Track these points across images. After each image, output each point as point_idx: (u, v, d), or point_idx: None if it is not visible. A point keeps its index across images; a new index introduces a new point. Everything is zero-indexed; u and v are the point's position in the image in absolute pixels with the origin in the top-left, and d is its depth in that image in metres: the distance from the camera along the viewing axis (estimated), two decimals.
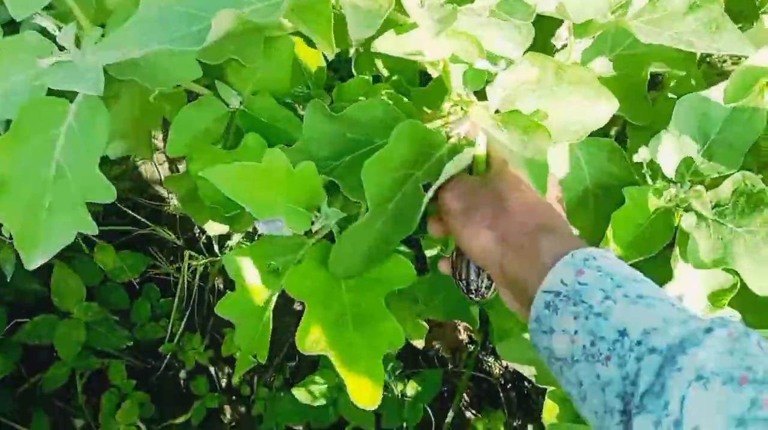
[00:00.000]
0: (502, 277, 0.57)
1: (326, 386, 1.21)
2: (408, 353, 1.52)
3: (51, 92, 0.62)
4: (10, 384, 1.50)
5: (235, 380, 0.62)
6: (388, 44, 0.58)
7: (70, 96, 0.60)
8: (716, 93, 0.67)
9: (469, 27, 0.59)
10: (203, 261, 1.65)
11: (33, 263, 0.61)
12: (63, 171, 0.61)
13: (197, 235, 1.71)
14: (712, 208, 0.66)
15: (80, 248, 1.54)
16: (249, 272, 0.64)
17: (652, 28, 0.58)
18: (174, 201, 1.72)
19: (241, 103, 0.68)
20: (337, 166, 0.63)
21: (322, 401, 1.22)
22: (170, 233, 1.68)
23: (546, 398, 0.81)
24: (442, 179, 0.58)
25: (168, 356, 1.61)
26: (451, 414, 1.31)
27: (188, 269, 1.65)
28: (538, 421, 1.48)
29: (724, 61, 1.20)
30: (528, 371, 0.79)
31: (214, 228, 0.82)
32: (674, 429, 0.39)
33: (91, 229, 0.61)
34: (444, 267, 0.69)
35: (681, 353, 0.42)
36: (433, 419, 1.43)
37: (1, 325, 1.44)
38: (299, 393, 1.22)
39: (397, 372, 1.35)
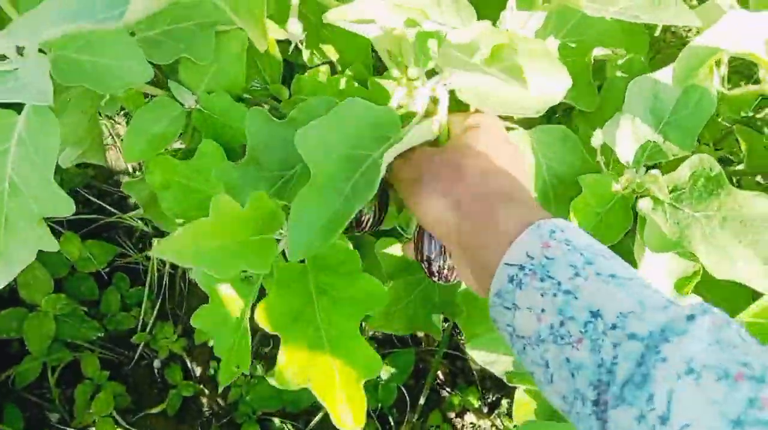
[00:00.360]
0: (459, 248, 0.53)
1: None
2: (381, 334, 1.53)
3: None
4: None
5: (220, 389, 0.61)
6: (339, 14, 0.56)
7: (17, 107, 0.58)
8: (666, 73, 0.66)
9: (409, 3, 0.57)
10: None
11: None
12: (17, 187, 0.59)
13: None
14: (670, 193, 0.65)
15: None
16: (221, 282, 0.63)
17: (599, 6, 0.57)
18: None
19: (196, 102, 0.66)
20: (291, 177, 0.61)
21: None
22: (138, 220, 1.66)
23: (517, 394, 0.81)
24: (400, 149, 0.55)
25: (141, 346, 1.60)
26: (425, 393, 1.32)
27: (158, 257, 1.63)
28: (512, 395, 1.51)
29: (689, 30, 1.20)
30: (498, 370, 0.79)
31: None
32: (660, 426, 0.36)
33: (52, 246, 0.59)
34: (408, 250, 0.65)
35: (664, 342, 0.39)
36: (407, 398, 1.45)
37: None
38: (274, 379, 1.22)
39: None
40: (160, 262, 1.64)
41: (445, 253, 0.61)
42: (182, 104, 0.66)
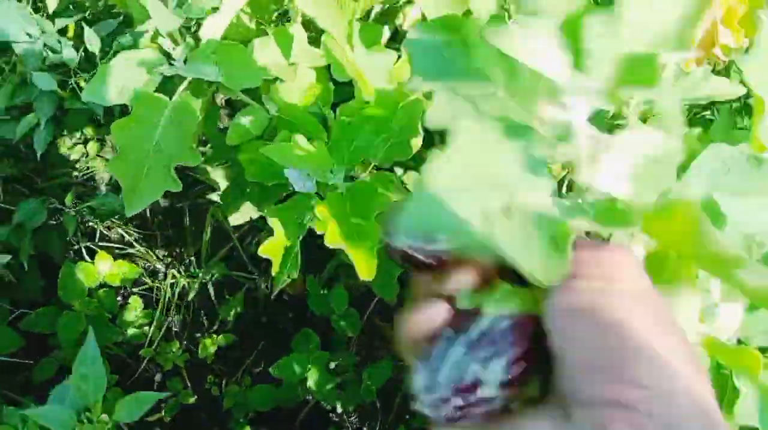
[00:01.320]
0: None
1: (296, 366, 1.46)
2: (365, 346, 1.79)
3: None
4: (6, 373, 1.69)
5: (275, 292, 0.80)
6: None
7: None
8: None
9: None
10: (182, 279, 1.91)
11: (134, 209, 0.89)
12: (159, 146, 0.90)
13: (177, 258, 1.98)
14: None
15: (83, 256, 1.79)
16: (283, 223, 0.92)
17: None
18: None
19: (276, 110, 0.99)
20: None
21: (293, 379, 1.46)
22: (153, 256, 1.95)
23: None
24: None
25: (145, 361, 1.82)
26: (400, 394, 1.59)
27: (170, 287, 1.90)
28: None
29: None
30: None
31: (237, 218, 1.12)
32: None
33: (176, 186, 0.89)
34: (413, 340, 0.37)
35: None
36: (378, 402, 1.69)
37: (5, 315, 1.65)
38: (274, 371, 1.47)
39: (356, 362, 1.63)
40: (171, 291, 1.90)
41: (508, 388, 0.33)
42: (267, 111, 0.99)
